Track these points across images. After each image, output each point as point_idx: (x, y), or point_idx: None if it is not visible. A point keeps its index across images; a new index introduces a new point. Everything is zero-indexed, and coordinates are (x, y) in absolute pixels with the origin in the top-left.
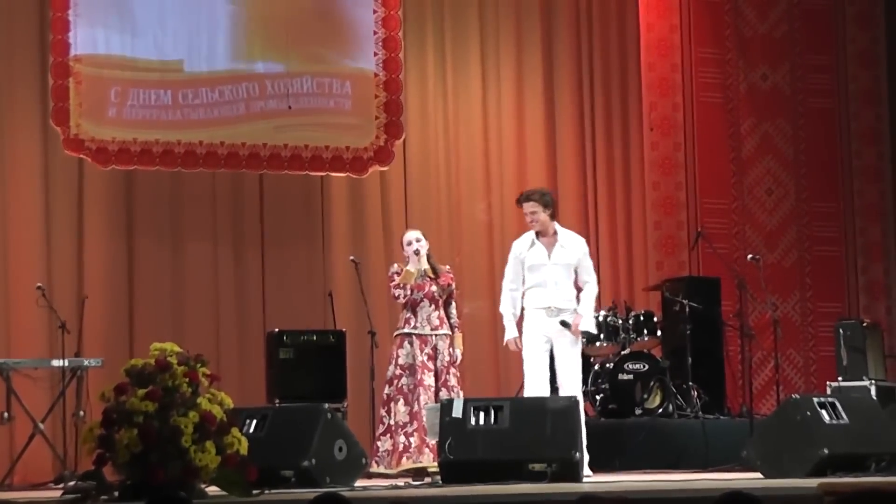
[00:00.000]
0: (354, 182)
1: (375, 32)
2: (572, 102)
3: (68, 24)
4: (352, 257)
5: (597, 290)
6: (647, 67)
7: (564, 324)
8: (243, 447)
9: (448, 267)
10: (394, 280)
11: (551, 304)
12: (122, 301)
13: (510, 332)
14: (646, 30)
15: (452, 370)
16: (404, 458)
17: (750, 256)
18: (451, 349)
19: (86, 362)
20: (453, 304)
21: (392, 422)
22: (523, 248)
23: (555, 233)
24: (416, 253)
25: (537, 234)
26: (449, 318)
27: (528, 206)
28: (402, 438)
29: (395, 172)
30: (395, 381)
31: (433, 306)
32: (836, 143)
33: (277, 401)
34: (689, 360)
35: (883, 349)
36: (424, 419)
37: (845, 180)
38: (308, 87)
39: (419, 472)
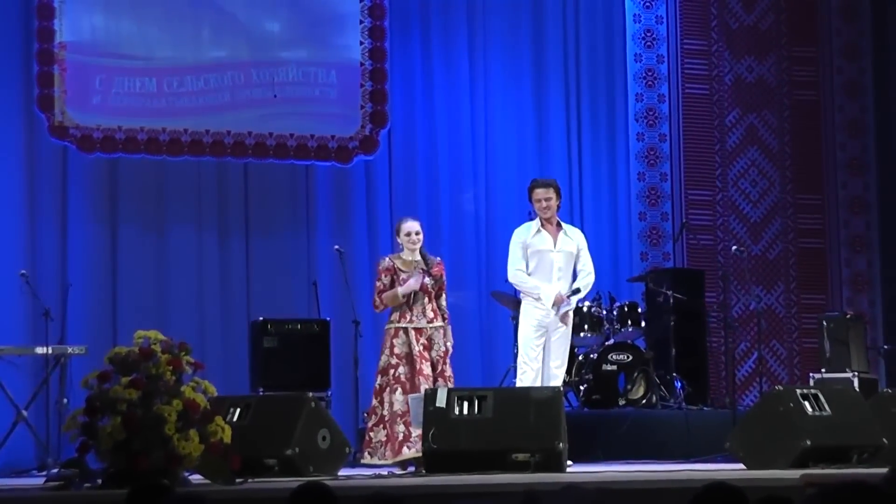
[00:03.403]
0: (339, 171)
1: (361, 21)
2: (559, 92)
3: (54, 11)
4: (336, 246)
5: (593, 280)
6: (634, 58)
7: (576, 291)
8: (227, 435)
9: (439, 259)
10: (381, 279)
11: (558, 289)
12: (106, 289)
13: (549, 294)
14: (632, 20)
15: (448, 360)
16: (405, 448)
17: (734, 248)
18: (445, 341)
19: (69, 349)
20: (444, 296)
21: (386, 412)
22: (528, 234)
23: (558, 222)
24: (413, 244)
25: (541, 223)
26: (440, 309)
27: (548, 192)
28: (401, 427)
29: (380, 162)
30: (392, 371)
31: (427, 298)
32: (821, 136)
33: (261, 389)
34: (673, 351)
35: (866, 341)
36: (410, 408)
37: (830, 172)
38: (293, 75)
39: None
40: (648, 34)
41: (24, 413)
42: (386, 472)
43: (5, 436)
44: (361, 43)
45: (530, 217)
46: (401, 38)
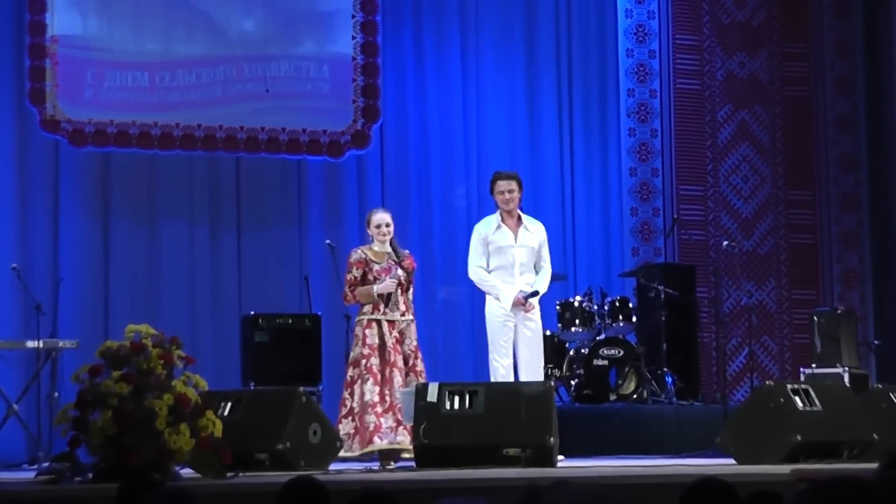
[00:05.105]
0: (331, 166)
1: (353, 16)
2: (551, 88)
3: (45, 4)
4: (328, 241)
5: (550, 276)
6: (626, 53)
7: (534, 294)
8: (218, 430)
9: (408, 251)
10: (352, 272)
11: (519, 289)
12: (97, 283)
13: (508, 295)
14: (624, 16)
15: (420, 354)
16: (376, 438)
17: (726, 244)
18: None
19: (61, 344)
20: (411, 290)
21: (356, 404)
22: (488, 229)
23: (519, 217)
24: (383, 236)
25: (502, 218)
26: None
27: (510, 184)
28: (371, 418)
29: (371, 157)
30: (363, 361)
31: (399, 290)
32: (813, 132)
33: (252, 384)
34: (664, 346)
35: (856, 337)
36: (399, 403)
37: (821, 169)
38: (286, 70)
39: (392, 454)
40: (640, 29)
41: (16, 407)
42: (377, 467)
43: None
44: (354, 38)
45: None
46: (393, 34)
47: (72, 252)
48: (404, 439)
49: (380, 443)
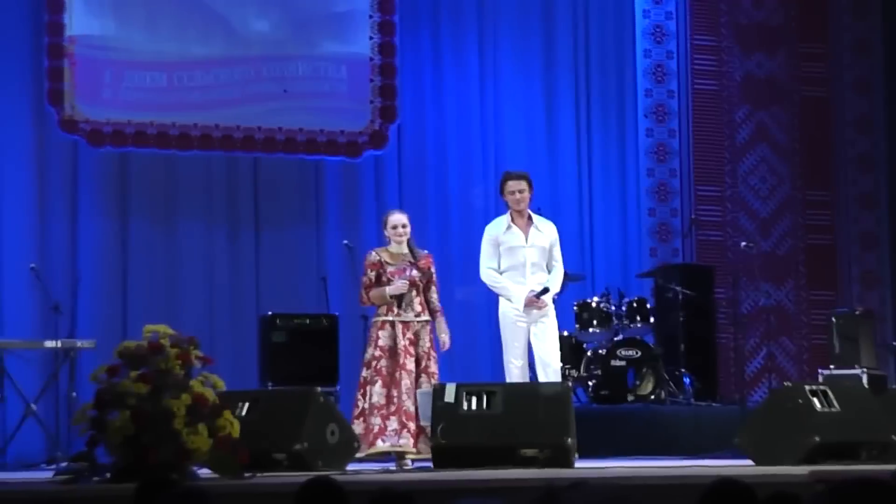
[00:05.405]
0: (349, 166)
1: (371, 16)
2: (568, 88)
3: (63, 5)
4: (345, 241)
5: (562, 275)
6: (643, 54)
7: (545, 291)
8: (235, 430)
9: (426, 251)
10: (367, 275)
11: (530, 288)
12: (115, 283)
13: (519, 295)
14: (642, 16)
15: (433, 356)
16: (379, 441)
17: (744, 244)
18: (432, 336)
19: (79, 343)
20: (433, 288)
21: (366, 405)
22: (499, 230)
23: (529, 216)
24: (399, 237)
25: (512, 218)
26: (429, 303)
27: (521, 184)
28: (377, 420)
29: (389, 157)
30: (374, 363)
31: (415, 291)
32: (831, 132)
33: (270, 384)
34: (682, 347)
35: (875, 338)
36: (418, 403)
37: (839, 169)
38: (303, 70)
39: (398, 457)
40: (658, 30)
41: (34, 407)
42: (393, 467)
43: (15, 429)
44: (371, 38)
45: (539, 213)
46: (410, 34)
47: (90, 252)
48: (407, 442)
49: (382, 445)
